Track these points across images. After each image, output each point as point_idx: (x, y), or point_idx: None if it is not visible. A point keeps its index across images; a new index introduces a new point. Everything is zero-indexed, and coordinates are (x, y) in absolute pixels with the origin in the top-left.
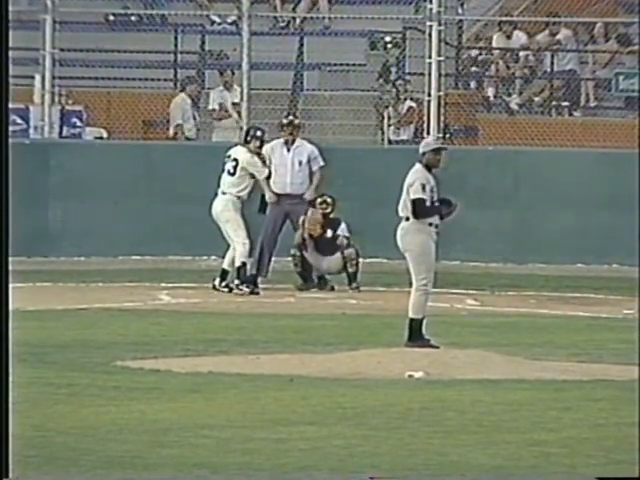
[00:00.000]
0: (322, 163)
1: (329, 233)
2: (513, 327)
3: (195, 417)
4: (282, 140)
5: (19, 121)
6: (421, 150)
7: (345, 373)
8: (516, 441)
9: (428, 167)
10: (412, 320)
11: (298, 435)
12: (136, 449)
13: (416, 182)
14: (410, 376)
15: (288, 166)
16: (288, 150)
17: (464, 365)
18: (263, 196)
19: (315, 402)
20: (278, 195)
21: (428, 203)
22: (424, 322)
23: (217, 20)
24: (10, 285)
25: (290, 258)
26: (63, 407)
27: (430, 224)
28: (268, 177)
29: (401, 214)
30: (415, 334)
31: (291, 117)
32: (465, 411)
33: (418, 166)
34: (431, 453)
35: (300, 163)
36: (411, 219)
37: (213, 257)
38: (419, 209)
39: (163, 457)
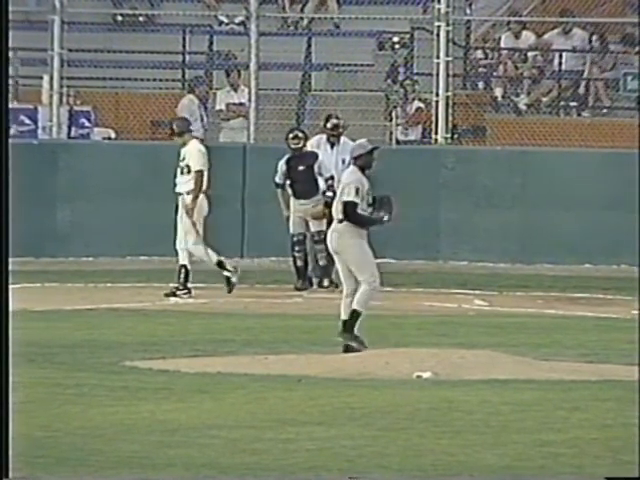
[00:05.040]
0: None
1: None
2: (521, 327)
3: (203, 417)
4: (325, 137)
5: (27, 122)
6: (356, 153)
7: (353, 373)
8: (524, 441)
9: (362, 169)
10: (354, 311)
11: (306, 435)
12: (144, 449)
13: (351, 185)
14: (418, 376)
15: (332, 164)
16: (332, 147)
17: (472, 365)
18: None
19: (323, 402)
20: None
21: (362, 206)
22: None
23: (225, 20)
24: (10, 286)
25: (295, 253)
26: (71, 407)
27: (380, 222)
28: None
29: (335, 216)
30: (350, 327)
31: (334, 120)
32: (473, 411)
33: (353, 168)
34: (439, 453)
35: (343, 162)
36: (344, 222)
37: (221, 258)
38: (350, 212)
39: (171, 457)
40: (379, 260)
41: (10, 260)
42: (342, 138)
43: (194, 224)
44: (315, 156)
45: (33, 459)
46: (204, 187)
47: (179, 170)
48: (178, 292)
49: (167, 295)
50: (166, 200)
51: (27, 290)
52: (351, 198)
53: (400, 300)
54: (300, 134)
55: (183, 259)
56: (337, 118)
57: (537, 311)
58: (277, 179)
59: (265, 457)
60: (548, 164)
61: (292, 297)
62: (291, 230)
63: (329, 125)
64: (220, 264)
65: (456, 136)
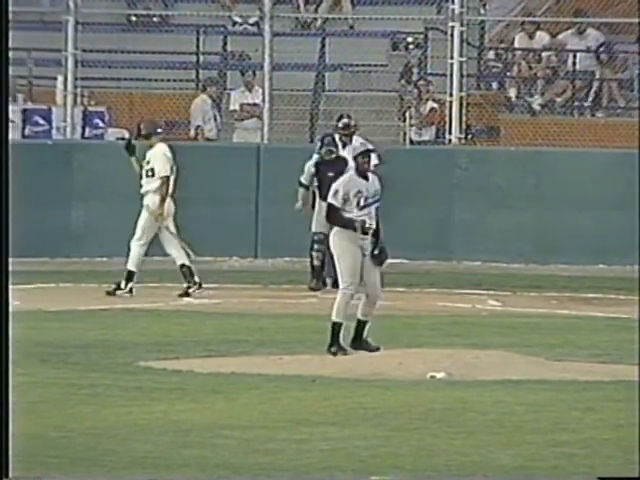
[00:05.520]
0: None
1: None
2: (534, 328)
3: (217, 418)
4: (338, 136)
5: (42, 122)
6: (352, 154)
7: (367, 374)
8: (537, 442)
9: (360, 173)
10: (333, 323)
11: (320, 436)
12: (158, 450)
13: (333, 187)
14: (432, 377)
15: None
16: (344, 147)
17: (485, 366)
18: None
19: (337, 403)
20: None
21: (355, 206)
22: (367, 327)
23: (239, 21)
24: (10, 286)
25: (314, 252)
26: (85, 407)
27: (355, 229)
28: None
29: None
30: (333, 340)
31: (346, 120)
32: (487, 412)
33: (349, 174)
34: (453, 453)
35: None
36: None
37: (235, 258)
38: (328, 213)
39: (185, 458)
40: (392, 260)
41: (24, 260)
42: (354, 138)
43: (167, 228)
44: (345, 162)
45: (47, 459)
46: (170, 191)
47: (144, 173)
48: (190, 290)
49: (181, 296)
50: (179, 200)
51: (41, 290)
52: (330, 200)
53: (413, 300)
54: (334, 149)
55: (180, 259)
56: (349, 117)
57: (550, 311)
58: (303, 179)
59: (279, 457)
60: (562, 164)
61: (306, 297)
62: (313, 229)
63: (340, 124)
64: (183, 268)
65: (470, 136)
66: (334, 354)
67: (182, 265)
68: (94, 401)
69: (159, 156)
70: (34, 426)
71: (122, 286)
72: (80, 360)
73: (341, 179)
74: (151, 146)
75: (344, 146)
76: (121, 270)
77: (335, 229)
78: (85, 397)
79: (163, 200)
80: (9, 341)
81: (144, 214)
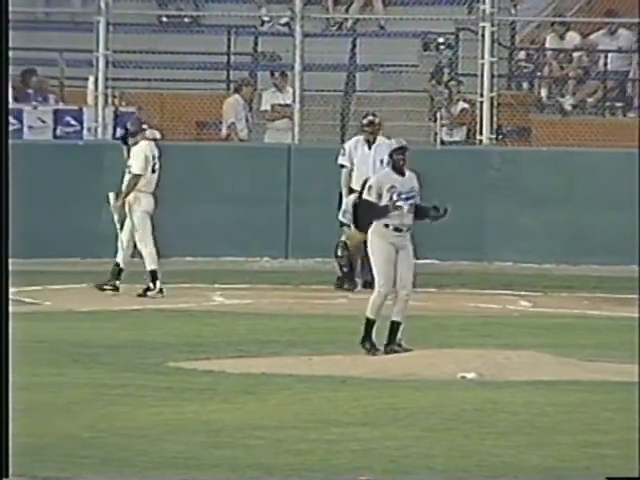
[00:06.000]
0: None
1: None
2: (566, 328)
3: (248, 418)
4: (362, 137)
5: (73, 122)
6: (386, 152)
7: (397, 374)
8: (569, 443)
9: (396, 169)
10: (366, 319)
11: (350, 436)
12: (189, 450)
13: (367, 184)
14: (463, 377)
15: (370, 164)
16: (369, 148)
17: (517, 366)
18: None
19: (367, 403)
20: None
21: (388, 201)
22: (400, 327)
23: (269, 21)
24: (10, 288)
25: (336, 260)
26: (116, 408)
27: (386, 225)
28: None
29: None
30: (365, 335)
31: (371, 117)
32: (518, 412)
33: (386, 170)
34: (484, 454)
35: (382, 162)
36: (374, 221)
37: (266, 258)
38: (359, 209)
39: (216, 458)
40: (423, 261)
41: (56, 261)
42: (378, 138)
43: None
44: None
45: (79, 459)
46: (152, 188)
47: (127, 170)
48: (149, 292)
49: (140, 295)
50: (211, 201)
51: (73, 291)
52: (364, 196)
53: (445, 301)
54: (377, 119)
55: (149, 264)
56: (373, 115)
57: (582, 312)
58: (343, 217)
59: (310, 458)
60: (593, 164)
61: (336, 298)
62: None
63: (365, 121)
64: (116, 273)
65: (501, 137)
66: (367, 349)
67: (151, 271)
68: (126, 401)
69: (137, 154)
70: (66, 426)
71: (151, 287)
72: (112, 360)
73: (376, 175)
74: (136, 143)
75: (369, 146)
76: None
77: (370, 230)
78: (117, 397)
79: (126, 194)
80: (9, 341)
81: (143, 216)
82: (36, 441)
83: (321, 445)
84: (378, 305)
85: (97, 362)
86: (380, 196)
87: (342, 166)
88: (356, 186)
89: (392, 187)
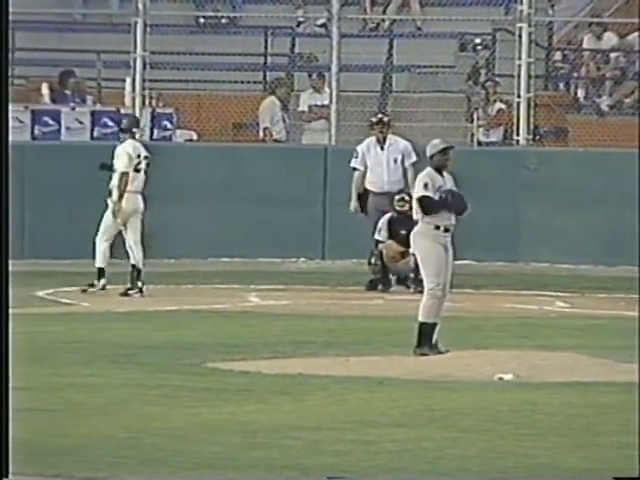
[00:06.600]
0: (415, 158)
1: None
2: (603, 329)
3: (284, 419)
4: (374, 138)
5: (110, 124)
6: (429, 153)
7: (434, 375)
8: (606, 444)
9: (437, 169)
10: (420, 324)
11: (387, 437)
12: (226, 450)
13: (419, 183)
14: (500, 378)
15: (384, 165)
16: (382, 149)
17: (554, 367)
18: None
19: (404, 404)
20: (376, 194)
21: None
22: (436, 328)
23: (306, 22)
24: (10, 288)
25: (369, 267)
26: (153, 408)
27: (437, 227)
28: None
29: (414, 217)
30: (423, 339)
31: (380, 115)
32: (555, 413)
33: (427, 169)
34: (521, 456)
35: (395, 161)
36: (420, 222)
37: (302, 259)
38: (425, 206)
39: (253, 459)
40: (460, 262)
41: (92, 262)
42: (389, 137)
43: (129, 225)
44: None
45: (116, 459)
46: (139, 187)
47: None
48: (130, 292)
49: (121, 295)
50: (248, 201)
51: (110, 291)
52: (421, 193)
53: (481, 302)
54: (406, 197)
55: (138, 263)
56: (384, 114)
57: (619, 313)
58: (377, 236)
59: (347, 459)
60: (630, 165)
61: (373, 299)
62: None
63: (374, 119)
64: (135, 276)
65: (538, 137)
66: (425, 355)
67: (133, 266)
68: (162, 402)
69: (120, 152)
70: (104, 427)
71: (94, 284)
72: (148, 361)
73: (422, 174)
74: (123, 141)
75: (382, 147)
76: (188, 271)
77: (416, 230)
78: (154, 398)
79: (121, 196)
80: (9, 341)
81: (108, 211)
82: (73, 441)
83: (358, 446)
84: (432, 308)
85: (134, 363)
86: (433, 194)
87: (355, 169)
88: (371, 187)
89: (440, 187)
